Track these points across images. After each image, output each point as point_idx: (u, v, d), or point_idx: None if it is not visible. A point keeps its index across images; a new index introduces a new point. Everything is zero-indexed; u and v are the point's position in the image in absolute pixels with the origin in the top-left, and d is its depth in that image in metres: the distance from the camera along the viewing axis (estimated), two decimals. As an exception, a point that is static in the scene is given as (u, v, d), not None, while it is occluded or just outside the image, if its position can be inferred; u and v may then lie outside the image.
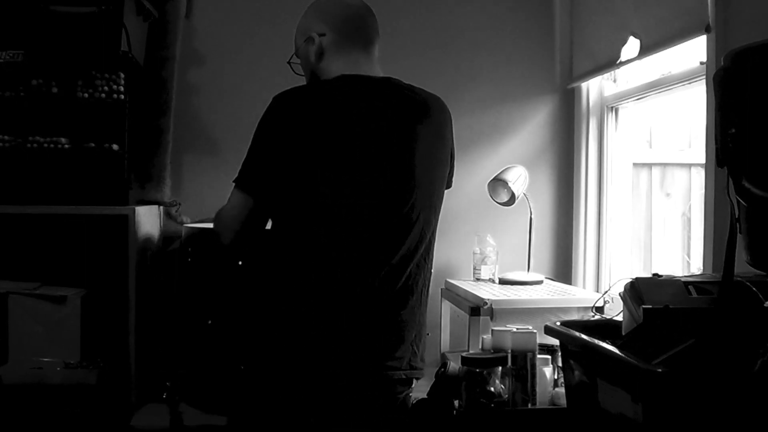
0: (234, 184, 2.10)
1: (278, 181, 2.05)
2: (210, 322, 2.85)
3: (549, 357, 2.55)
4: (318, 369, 2.02)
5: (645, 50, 3.04)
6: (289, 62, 2.36)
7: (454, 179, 2.41)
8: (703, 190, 2.68)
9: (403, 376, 2.12)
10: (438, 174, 2.24)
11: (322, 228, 2.04)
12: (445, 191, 2.36)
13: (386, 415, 2.10)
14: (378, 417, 2.09)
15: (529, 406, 2.41)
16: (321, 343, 2.02)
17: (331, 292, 2.03)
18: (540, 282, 3.44)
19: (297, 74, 2.33)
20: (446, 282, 3.58)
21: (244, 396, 2.13)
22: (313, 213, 2.04)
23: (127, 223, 3.08)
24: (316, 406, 2.03)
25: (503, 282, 3.44)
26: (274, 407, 2.05)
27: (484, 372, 2.35)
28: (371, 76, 2.21)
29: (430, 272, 2.27)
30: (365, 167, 2.06)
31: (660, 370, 1.54)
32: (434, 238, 2.29)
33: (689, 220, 3.77)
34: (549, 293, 3.19)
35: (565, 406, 2.17)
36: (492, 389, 2.34)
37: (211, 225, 2.26)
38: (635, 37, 3.09)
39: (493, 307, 2.95)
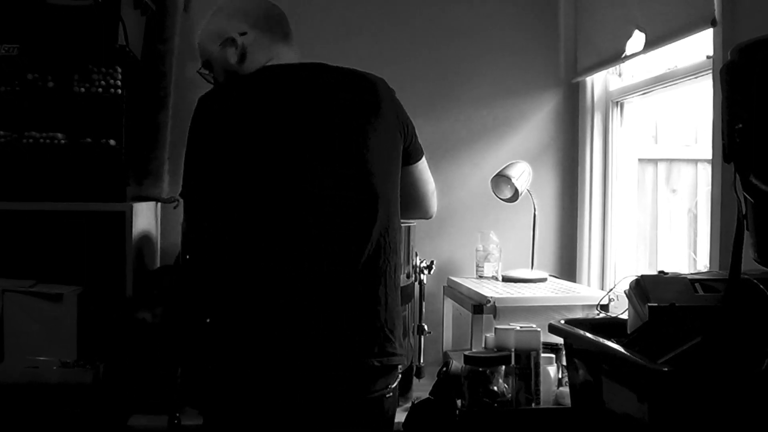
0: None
1: (217, 181, 2.04)
2: (208, 320, 2.85)
3: (553, 356, 2.55)
4: (284, 364, 1.98)
5: (650, 44, 3.04)
6: (199, 71, 2.34)
7: (429, 157, 2.41)
8: (710, 186, 2.68)
9: (376, 364, 2.06)
10: (390, 152, 2.19)
11: (271, 218, 2.01)
12: (419, 167, 2.36)
13: (358, 408, 2.06)
14: (350, 411, 2.05)
15: (533, 405, 2.41)
16: (283, 338, 1.98)
17: (286, 282, 2.00)
18: (544, 279, 3.44)
19: (210, 83, 2.31)
20: (448, 279, 3.58)
21: (211, 395, 2.10)
22: (260, 205, 2.02)
23: (124, 219, 3.08)
24: (282, 404, 2.00)
25: (506, 279, 3.44)
26: (237, 407, 2.02)
27: (487, 371, 2.35)
28: (295, 63, 2.20)
29: (397, 255, 2.21)
30: (313, 152, 2.04)
31: (666, 369, 1.54)
32: (398, 219, 2.22)
33: (695, 216, 3.77)
34: (553, 291, 3.19)
35: (570, 405, 2.17)
36: (495, 388, 2.35)
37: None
38: (640, 30, 3.09)
39: (497, 305, 2.95)
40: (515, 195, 3.51)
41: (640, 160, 3.74)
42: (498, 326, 2.58)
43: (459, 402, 2.43)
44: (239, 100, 2.07)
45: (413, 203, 2.38)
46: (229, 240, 2.05)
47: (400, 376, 2.19)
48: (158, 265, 3.54)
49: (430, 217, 2.52)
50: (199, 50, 2.32)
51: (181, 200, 2.16)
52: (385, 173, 2.14)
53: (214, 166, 2.04)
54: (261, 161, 2.02)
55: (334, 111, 2.09)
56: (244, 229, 2.03)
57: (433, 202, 2.47)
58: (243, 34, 2.23)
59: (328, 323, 2.00)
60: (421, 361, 3.22)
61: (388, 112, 2.20)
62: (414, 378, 3.16)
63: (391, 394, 2.14)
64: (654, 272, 1.96)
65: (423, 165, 2.38)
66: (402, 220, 2.29)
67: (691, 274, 1.91)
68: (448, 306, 3.55)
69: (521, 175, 3.48)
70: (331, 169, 2.04)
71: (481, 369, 2.35)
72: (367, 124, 2.12)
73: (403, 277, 3.03)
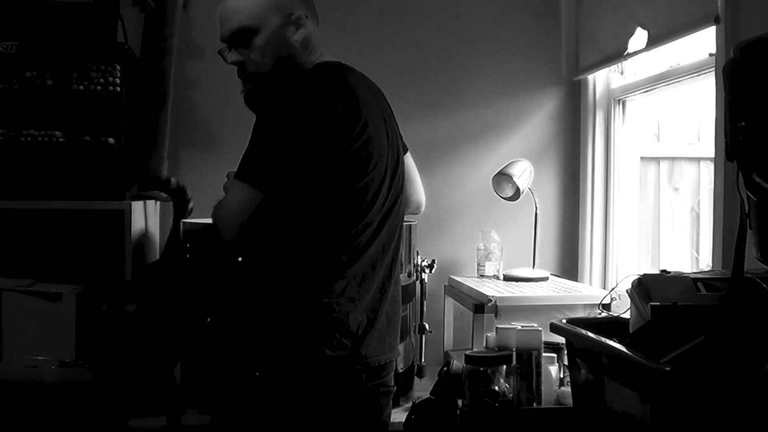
0: (239, 177, 1.99)
1: (288, 174, 1.98)
2: (209, 320, 2.85)
3: (555, 355, 2.55)
4: (322, 365, 1.99)
5: (653, 42, 3.04)
6: (231, 44, 2.15)
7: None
8: (712, 185, 2.68)
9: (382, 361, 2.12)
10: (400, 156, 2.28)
11: (325, 220, 2.02)
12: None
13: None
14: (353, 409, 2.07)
15: (534, 405, 2.41)
16: (332, 337, 2.00)
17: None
18: (545, 278, 3.44)
19: (226, 62, 2.18)
20: (450, 279, 3.58)
21: (252, 397, 2.09)
22: (319, 207, 2.02)
23: (123, 218, 3.08)
24: (323, 404, 2.01)
25: (508, 278, 3.44)
26: (284, 409, 2.02)
27: (489, 371, 2.36)
28: (351, 66, 2.19)
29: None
30: (374, 164, 2.06)
31: (668, 368, 1.54)
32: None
33: (698, 215, 3.77)
34: (555, 290, 3.19)
35: (571, 405, 2.17)
36: (496, 388, 2.35)
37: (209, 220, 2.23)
38: (643, 28, 3.09)
39: (498, 304, 2.95)
40: (517, 193, 3.51)
41: (642, 158, 3.74)
42: (499, 325, 2.58)
43: (460, 402, 2.44)
44: (350, 102, 2.00)
45: (408, 193, 2.40)
46: (299, 239, 2.05)
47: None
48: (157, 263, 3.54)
49: (419, 210, 2.52)
50: (239, 14, 2.11)
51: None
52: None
53: (294, 161, 1.98)
54: (333, 167, 2.00)
55: (390, 124, 2.19)
56: (312, 232, 2.03)
57: (422, 193, 2.49)
58: (307, 17, 2.15)
59: (384, 327, 2.12)
60: (422, 360, 3.22)
61: (393, 117, 2.29)
62: (415, 377, 3.17)
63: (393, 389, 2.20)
64: (656, 271, 1.96)
65: (409, 156, 2.44)
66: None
67: (694, 273, 1.91)
68: (449, 305, 3.55)
69: (522, 173, 3.48)
70: (385, 187, 2.12)
71: (482, 368, 2.35)
72: (397, 134, 2.27)
73: (404, 276, 3.03)
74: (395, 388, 2.22)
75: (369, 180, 2.03)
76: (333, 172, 1.99)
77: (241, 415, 2.14)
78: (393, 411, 2.89)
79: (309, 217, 2.01)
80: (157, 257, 3.52)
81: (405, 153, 2.36)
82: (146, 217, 3.35)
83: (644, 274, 1.90)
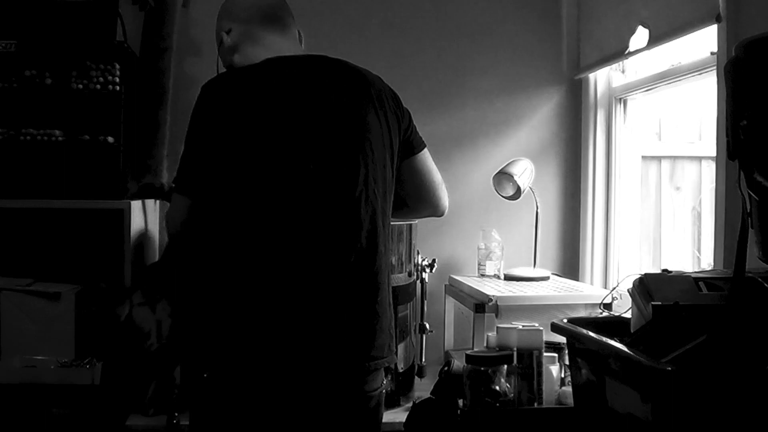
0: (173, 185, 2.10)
1: (219, 175, 2.01)
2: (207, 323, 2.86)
3: (556, 355, 2.55)
4: (279, 363, 1.97)
5: (654, 40, 3.04)
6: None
7: (431, 153, 2.38)
8: (714, 184, 2.68)
9: (371, 364, 2.05)
10: (386, 148, 2.17)
11: (273, 216, 2.00)
12: (428, 163, 2.37)
13: (353, 409, 2.07)
14: (344, 412, 2.05)
15: (535, 405, 2.41)
16: (278, 337, 1.97)
17: (291, 283, 1.98)
18: (546, 278, 3.44)
19: None
20: (450, 278, 3.58)
21: (205, 399, 2.08)
22: (259, 203, 2.00)
23: (122, 217, 3.08)
24: (277, 404, 1.99)
25: (509, 278, 3.44)
26: (232, 409, 2.01)
27: (489, 370, 2.36)
28: (299, 55, 2.19)
29: (388, 253, 2.20)
30: (311, 148, 2.02)
31: (670, 368, 1.54)
32: (389, 219, 2.19)
33: (699, 214, 3.77)
34: (556, 289, 3.20)
35: (572, 405, 2.17)
36: (497, 388, 2.35)
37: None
38: (644, 26, 3.09)
39: (499, 303, 2.95)
40: (517, 192, 3.51)
41: (643, 157, 3.74)
42: (500, 325, 2.58)
43: (460, 402, 2.44)
44: (240, 91, 2.04)
45: (421, 195, 2.36)
46: (225, 235, 2.04)
47: (389, 376, 2.18)
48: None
49: (442, 213, 2.45)
50: None
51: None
52: (388, 171, 2.16)
53: (214, 158, 2.02)
54: (260, 156, 2.00)
55: (331, 104, 2.08)
56: (238, 225, 2.02)
57: (442, 194, 2.41)
58: (228, 31, 2.27)
59: (319, 323, 1.99)
60: (423, 360, 3.22)
61: (393, 109, 2.21)
62: (415, 377, 3.17)
63: (384, 392, 2.16)
64: (657, 271, 1.96)
65: (425, 155, 2.35)
66: (405, 220, 2.29)
67: (695, 272, 1.92)
68: (450, 305, 3.55)
69: (523, 172, 3.49)
70: (324, 164, 2.03)
71: (483, 368, 2.35)
72: (364, 118, 2.12)
73: (404, 275, 3.03)
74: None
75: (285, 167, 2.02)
76: (281, 164, 2.01)
77: (193, 415, 2.17)
78: (393, 411, 2.93)
79: (235, 215, 2.03)
80: (157, 258, 3.52)
81: (417, 152, 2.32)
82: (146, 216, 3.35)
83: (645, 274, 1.90)
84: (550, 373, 2.50)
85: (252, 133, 2.00)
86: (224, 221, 2.05)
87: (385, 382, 2.18)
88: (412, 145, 2.29)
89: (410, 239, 3.09)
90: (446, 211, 2.45)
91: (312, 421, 2.02)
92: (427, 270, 3.21)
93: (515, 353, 2.44)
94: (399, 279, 3.01)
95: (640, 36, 3.12)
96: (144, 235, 3.31)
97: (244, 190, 2.01)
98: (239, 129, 2.00)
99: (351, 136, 2.07)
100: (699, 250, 3.68)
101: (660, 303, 1.74)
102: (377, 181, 2.10)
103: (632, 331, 1.88)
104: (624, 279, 2.35)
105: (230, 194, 2.02)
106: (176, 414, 2.78)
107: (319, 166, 2.01)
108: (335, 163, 2.04)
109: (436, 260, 3.24)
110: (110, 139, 3.13)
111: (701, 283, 1.82)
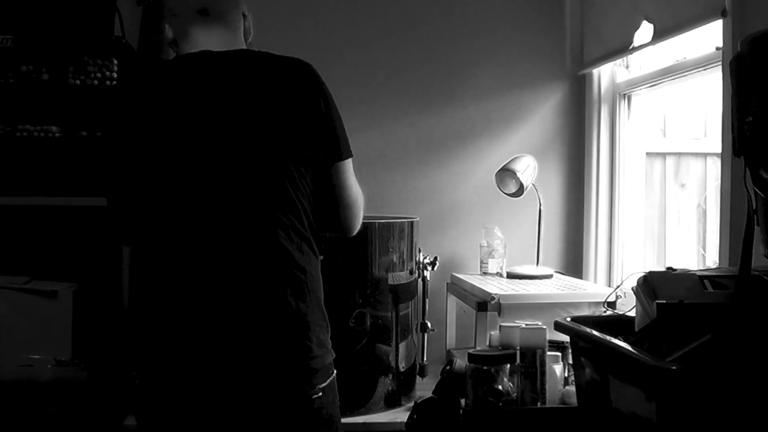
0: None
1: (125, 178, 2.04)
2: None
3: (559, 354, 2.55)
4: (199, 370, 1.96)
5: (659, 35, 3.04)
6: None
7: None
8: (719, 181, 2.68)
9: (293, 366, 1.98)
10: (284, 140, 2.00)
11: (159, 227, 2.01)
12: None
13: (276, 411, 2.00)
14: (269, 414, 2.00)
15: (539, 405, 2.41)
16: (196, 343, 1.96)
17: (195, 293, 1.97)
18: (549, 276, 3.44)
19: None
20: (452, 276, 3.58)
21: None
22: (153, 208, 2.01)
23: (120, 215, 3.08)
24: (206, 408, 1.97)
25: (511, 276, 3.44)
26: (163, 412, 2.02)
27: (492, 370, 2.36)
28: (203, 51, 2.08)
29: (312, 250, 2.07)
30: (193, 151, 1.98)
31: (674, 367, 1.54)
32: (305, 214, 2.03)
33: (704, 211, 3.77)
34: (559, 288, 3.20)
35: (576, 405, 2.18)
36: (500, 387, 2.35)
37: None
38: (648, 21, 3.09)
39: (501, 302, 2.95)
40: (520, 189, 3.51)
41: (647, 154, 3.74)
42: (503, 324, 2.58)
43: (463, 401, 2.44)
44: (144, 91, 2.07)
45: (328, 210, 2.12)
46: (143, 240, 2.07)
47: (334, 374, 2.11)
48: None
49: (348, 234, 2.17)
50: None
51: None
52: (288, 167, 2.00)
53: (126, 155, 2.04)
54: (151, 158, 2.00)
55: (224, 106, 2.00)
56: (151, 225, 2.03)
57: (351, 215, 2.14)
58: (168, 25, 2.21)
59: (233, 328, 1.95)
60: (424, 359, 3.22)
61: (300, 104, 2.03)
62: (417, 377, 3.17)
63: (320, 394, 2.02)
64: (662, 268, 1.96)
65: (343, 167, 2.08)
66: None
67: (700, 270, 1.92)
68: (452, 303, 3.55)
69: (526, 169, 3.49)
70: (225, 163, 1.98)
71: (485, 367, 2.36)
72: (272, 115, 2.00)
73: (405, 273, 3.04)
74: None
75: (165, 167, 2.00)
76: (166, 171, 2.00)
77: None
78: (395, 410, 2.93)
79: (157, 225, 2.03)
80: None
81: (339, 160, 2.07)
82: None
83: (650, 272, 1.90)
84: (554, 372, 2.50)
85: (148, 135, 2.01)
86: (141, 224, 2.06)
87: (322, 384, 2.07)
88: (328, 150, 2.06)
89: (412, 237, 3.09)
90: (354, 232, 2.20)
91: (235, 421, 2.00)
92: (429, 268, 3.21)
93: (518, 352, 2.44)
94: (400, 277, 3.02)
95: (645, 31, 3.12)
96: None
97: (147, 192, 2.02)
98: (141, 130, 2.02)
99: (245, 136, 1.99)
100: (704, 248, 3.68)
101: (665, 301, 1.74)
102: (270, 176, 2.00)
103: (636, 329, 1.88)
104: (628, 277, 2.36)
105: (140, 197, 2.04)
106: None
107: (209, 171, 1.98)
108: (227, 165, 1.98)
109: (438, 258, 3.24)
110: (108, 136, 3.13)
111: (706, 281, 1.82)
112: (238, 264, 1.96)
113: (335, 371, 2.09)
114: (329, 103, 2.06)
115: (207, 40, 2.12)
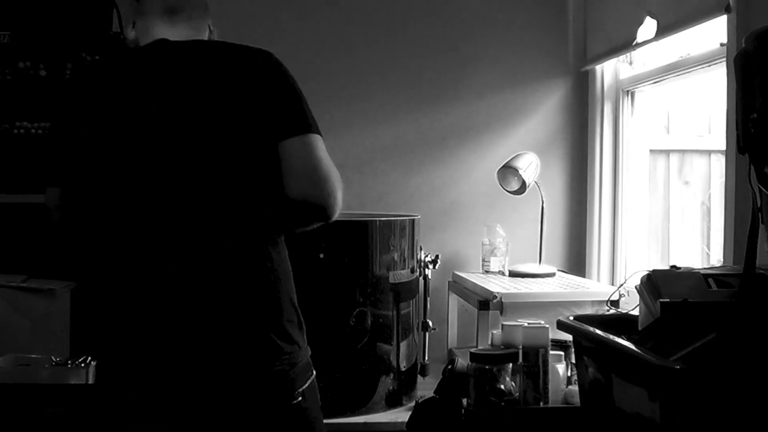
0: None
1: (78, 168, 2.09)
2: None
3: (562, 353, 2.56)
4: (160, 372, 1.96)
5: (662, 31, 3.04)
6: None
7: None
8: (724, 178, 2.69)
9: (257, 366, 1.91)
10: (240, 128, 1.94)
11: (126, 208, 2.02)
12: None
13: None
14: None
15: (541, 404, 2.42)
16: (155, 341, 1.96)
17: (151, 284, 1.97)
18: (552, 274, 3.45)
19: None
20: (454, 274, 3.59)
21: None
22: (115, 195, 2.04)
23: (118, 213, 3.08)
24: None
25: (513, 274, 3.44)
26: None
27: (494, 369, 2.36)
28: (151, 42, 2.07)
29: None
30: (145, 143, 1.95)
31: (678, 366, 1.55)
32: (266, 203, 1.96)
33: (709, 209, 3.77)
34: (562, 286, 3.20)
35: (579, 404, 2.18)
36: (502, 387, 2.35)
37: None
38: (652, 17, 3.09)
39: (503, 300, 2.96)
40: (522, 187, 3.51)
41: (651, 151, 3.74)
42: (505, 323, 2.58)
43: (465, 401, 2.44)
44: (96, 83, 2.07)
45: (300, 189, 1.93)
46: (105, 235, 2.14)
47: (313, 374, 2.06)
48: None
49: (325, 216, 1.96)
50: None
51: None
52: (243, 154, 1.95)
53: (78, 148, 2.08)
54: (110, 149, 2.00)
55: (174, 93, 1.97)
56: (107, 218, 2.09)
57: (325, 189, 1.93)
58: (134, 24, 2.21)
59: (195, 325, 1.92)
60: (426, 358, 3.23)
61: (256, 90, 1.98)
62: (418, 376, 3.17)
63: (300, 398, 1.96)
64: (666, 267, 1.96)
65: (314, 141, 1.94)
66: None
67: (704, 268, 1.92)
68: (454, 302, 3.56)
69: (529, 166, 3.49)
70: (181, 153, 1.94)
71: (487, 367, 2.36)
72: (226, 102, 1.96)
73: (406, 272, 3.04)
74: None
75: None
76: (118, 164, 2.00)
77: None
78: (396, 410, 2.93)
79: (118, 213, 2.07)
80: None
81: (308, 132, 1.95)
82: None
83: (653, 270, 1.91)
84: (556, 371, 2.50)
85: (101, 125, 2.00)
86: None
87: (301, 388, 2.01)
88: (289, 124, 1.96)
89: (413, 235, 3.09)
90: (336, 212, 1.99)
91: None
92: (430, 266, 3.21)
93: (520, 351, 2.44)
94: (401, 276, 3.02)
95: (648, 27, 3.12)
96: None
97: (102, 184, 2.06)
98: (93, 121, 2.02)
99: (198, 124, 1.95)
100: (708, 246, 3.68)
101: (668, 300, 1.74)
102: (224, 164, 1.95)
103: (640, 328, 1.88)
104: (631, 275, 2.36)
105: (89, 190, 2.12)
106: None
107: (165, 162, 1.95)
108: (182, 154, 1.95)
109: (440, 256, 3.24)
110: (106, 133, 3.14)
111: (710, 280, 1.83)
112: (198, 260, 1.93)
113: (314, 371, 2.01)
114: (293, 84, 2.00)
115: (170, 34, 2.09)
